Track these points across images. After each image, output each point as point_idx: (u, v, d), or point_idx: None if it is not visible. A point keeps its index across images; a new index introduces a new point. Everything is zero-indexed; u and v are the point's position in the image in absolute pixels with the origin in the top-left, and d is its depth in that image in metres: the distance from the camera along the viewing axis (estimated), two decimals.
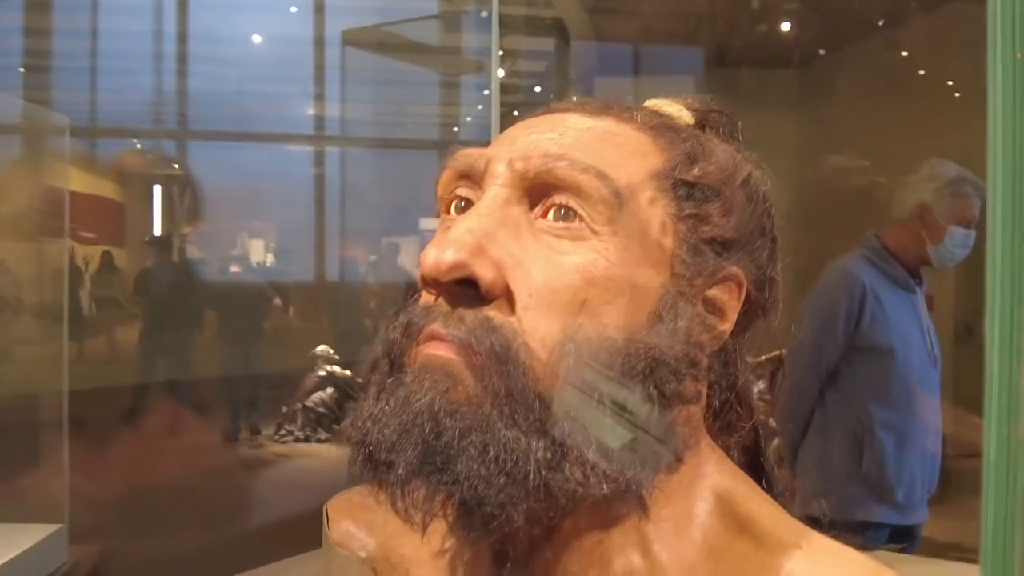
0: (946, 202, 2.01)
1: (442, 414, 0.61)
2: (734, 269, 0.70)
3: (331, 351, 4.93)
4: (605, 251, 0.65)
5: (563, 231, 0.65)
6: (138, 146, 6.47)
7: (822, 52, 4.81)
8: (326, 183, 6.14)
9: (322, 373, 4.77)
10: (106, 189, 5.89)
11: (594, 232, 0.65)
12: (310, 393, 4.71)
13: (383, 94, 5.84)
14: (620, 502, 0.66)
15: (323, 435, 4.57)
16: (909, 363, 2.03)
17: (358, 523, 0.85)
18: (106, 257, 5.34)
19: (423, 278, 0.65)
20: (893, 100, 4.26)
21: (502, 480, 0.60)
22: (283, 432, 4.59)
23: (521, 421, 0.62)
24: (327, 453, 4.41)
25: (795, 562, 0.69)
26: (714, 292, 0.70)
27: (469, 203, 0.70)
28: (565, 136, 0.68)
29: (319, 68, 5.54)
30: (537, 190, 0.66)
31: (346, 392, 4.59)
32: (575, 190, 0.65)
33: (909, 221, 2.04)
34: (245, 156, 6.01)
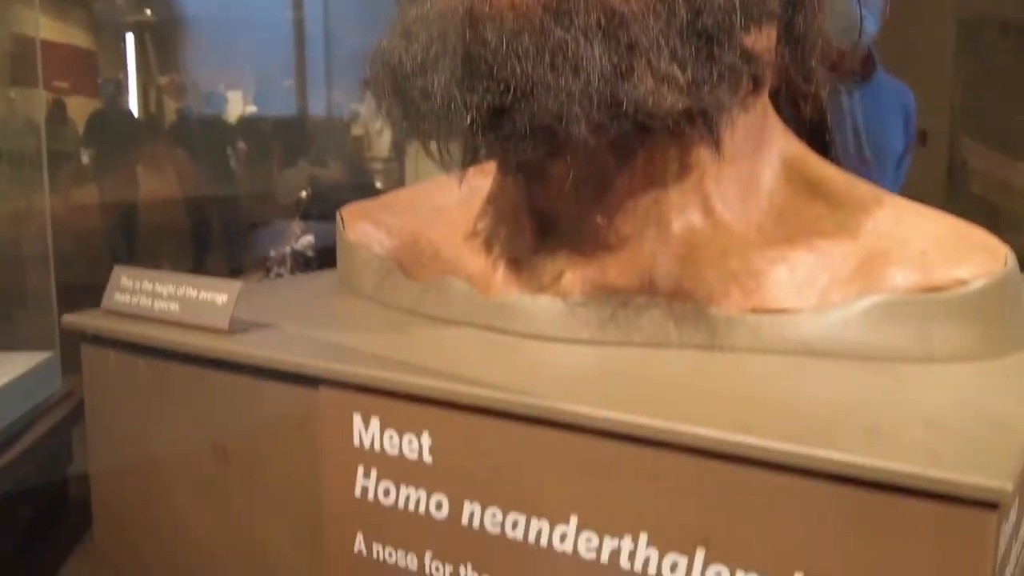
0: None
1: (483, 20, 0.52)
2: None
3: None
4: None
5: None
6: None
7: None
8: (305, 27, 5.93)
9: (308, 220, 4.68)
10: (76, 38, 5.67)
11: None
12: (298, 237, 4.63)
13: None
14: (690, 132, 0.58)
15: None
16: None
17: (376, 224, 0.78)
18: (57, 106, 5.05)
19: None
20: None
21: (561, 84, 0.52)
22: (273, 276, 4.53)
23: (580, 24, 0.52)
24: None
25: (877, 220, 0.62)
26: None
27: None
28: None
29: None
30: None
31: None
32: None
33: None
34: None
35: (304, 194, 4.96)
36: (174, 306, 0.65)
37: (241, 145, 5.24)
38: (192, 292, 0.64)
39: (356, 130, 5.65)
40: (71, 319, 0.69)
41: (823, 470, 0.42)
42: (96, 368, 0.70)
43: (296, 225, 4.80)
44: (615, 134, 0.54)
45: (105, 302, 0.69)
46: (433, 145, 0.59)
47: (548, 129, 0.53)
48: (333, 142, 5.61)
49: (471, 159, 0.59)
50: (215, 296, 0.63)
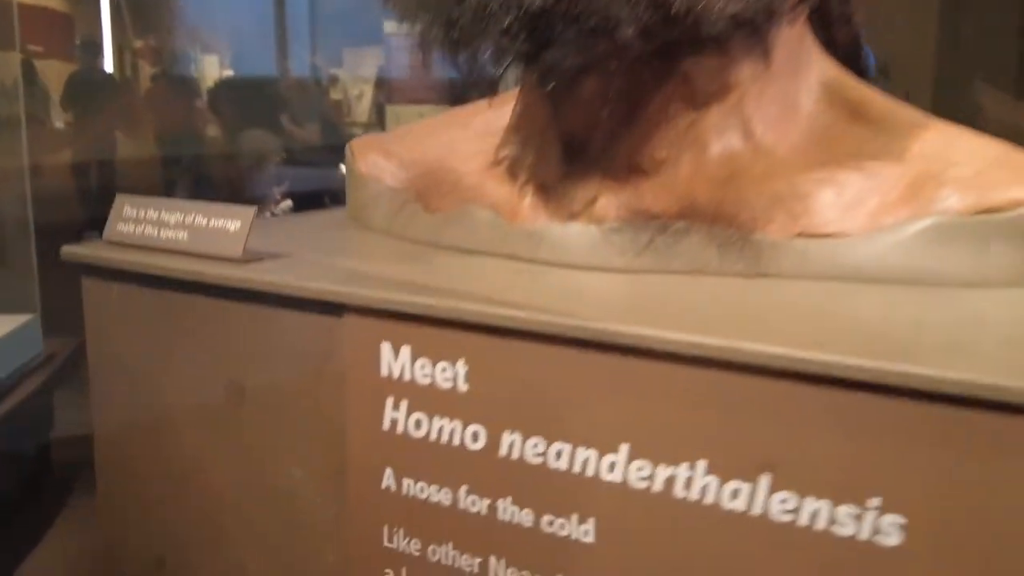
0: None
1: None
2: None
3: None
4: None
5: None
6: None
7: None
8: None
9: (287, 182, 4.62)
10: (51, 1, 5.56)
11: None
12: (278, 202, 4.57)
13: None
14: (735, 46, 0.55)
15: None
16: None
17: (388, 156, 0.74)
18: (26, 68, 4.94)
19: None
20: None
21: None
22: None
23: None
24: None
25: (924, 142, 0.59)
26: None
27: None
28: None
29: None
30: None
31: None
32: None
33: None
34: None
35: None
36: (182, 235, 0.61)
37: (199, 104, 5.17)
38: (202, 220, 0.61)
39: (335, 95, 5.56)
40: (71, 250, 0.65)
41: (906, 386, 0.39)
42: (98, 303, 0.66)
43: (276, 190, 4.74)
44: (663, 41, 0.51)
45: (107, 233, 0.65)
46: (464, 56, 0.55)
47: (592, 33, 0.49)
48: (310, 106, 5.53)
49: (505, 70, 0.56)
50: (227, 223, 0.60)
